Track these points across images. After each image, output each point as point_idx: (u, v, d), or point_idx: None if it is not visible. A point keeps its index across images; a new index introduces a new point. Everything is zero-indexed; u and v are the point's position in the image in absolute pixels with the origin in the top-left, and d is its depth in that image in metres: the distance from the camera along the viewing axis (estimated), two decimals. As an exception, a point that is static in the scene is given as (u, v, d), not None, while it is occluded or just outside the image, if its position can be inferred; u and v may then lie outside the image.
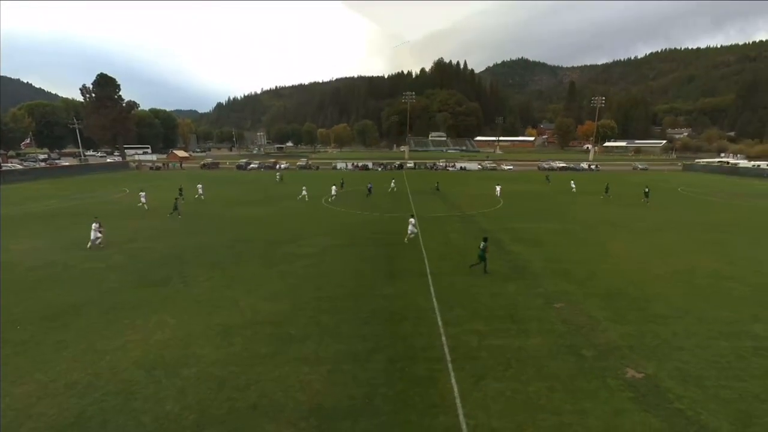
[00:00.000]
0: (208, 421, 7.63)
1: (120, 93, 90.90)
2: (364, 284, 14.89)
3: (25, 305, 13.01)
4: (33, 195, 39.58)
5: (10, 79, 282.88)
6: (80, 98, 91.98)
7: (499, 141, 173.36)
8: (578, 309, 12.71)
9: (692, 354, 10.00)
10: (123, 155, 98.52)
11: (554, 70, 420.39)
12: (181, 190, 36.53)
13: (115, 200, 37.02)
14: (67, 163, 78.30)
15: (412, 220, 21.22)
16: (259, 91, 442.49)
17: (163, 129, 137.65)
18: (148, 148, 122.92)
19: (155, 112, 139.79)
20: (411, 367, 9.41)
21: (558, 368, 9.38)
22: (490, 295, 13.79)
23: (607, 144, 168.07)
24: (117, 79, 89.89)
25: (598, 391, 8.51)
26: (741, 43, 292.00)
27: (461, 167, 78.76)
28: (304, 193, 36.52)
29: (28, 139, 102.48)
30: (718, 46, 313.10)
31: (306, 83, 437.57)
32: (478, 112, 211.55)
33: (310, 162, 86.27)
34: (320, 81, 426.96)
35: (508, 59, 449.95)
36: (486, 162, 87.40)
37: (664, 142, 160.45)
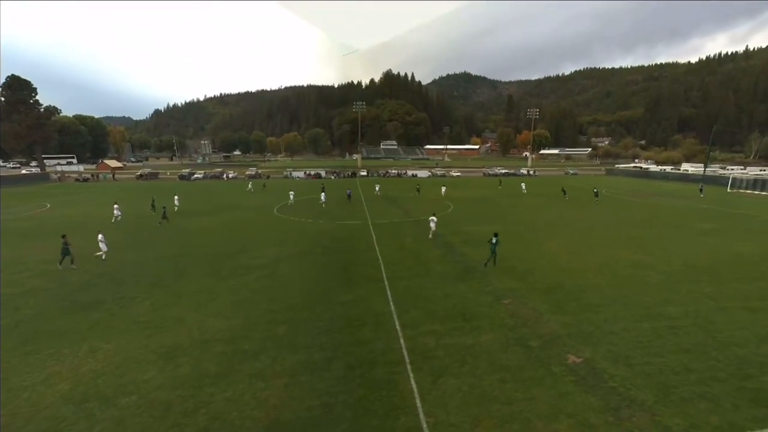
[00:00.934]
0: (153, 451, 6.96)
1: (36, 97, 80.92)
2: (321, 293, 14.62)
3: None
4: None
5: None
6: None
7: (447, 149, 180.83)
8: (524, 303, 13.54)
9: (620, 337, 11.09)
10: (42, 166, 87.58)
11: (494, 84, 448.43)
12: (153, 201, 34.73)
13: (33, 216, 32.73)
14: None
15: (433, 218, 23.47)
16: (202, 98, 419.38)
17: (90, 137, 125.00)
18: (72, 157, 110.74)
19: (81, 119, 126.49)
20: (370, 372, 9.38)
21: (508, 360, 9.91)
22: (443, 296, 14.22)
23: (542, 152, 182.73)
24: (33, 82, 79.99)
25: (544, 378, 9.11)
26: (646, 64, 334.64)
27: (412, 174, 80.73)
28: (291, 199, 38.50)
29: None
30: (629, 66, 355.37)
31: (253, 91, 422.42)
32: (426, 122, 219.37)
33: (260, 171, 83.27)
34: (268, 89, 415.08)
35: (453, 72, 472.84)
36: (436, 169, 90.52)
37: (590, 149, 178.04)
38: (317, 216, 31.43)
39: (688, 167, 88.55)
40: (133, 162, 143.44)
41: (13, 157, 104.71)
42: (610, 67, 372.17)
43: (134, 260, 18.99)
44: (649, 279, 16.10)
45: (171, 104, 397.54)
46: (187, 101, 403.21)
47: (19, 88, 78.24)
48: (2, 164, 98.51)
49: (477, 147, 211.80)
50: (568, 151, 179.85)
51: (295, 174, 77.43)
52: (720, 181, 58.80)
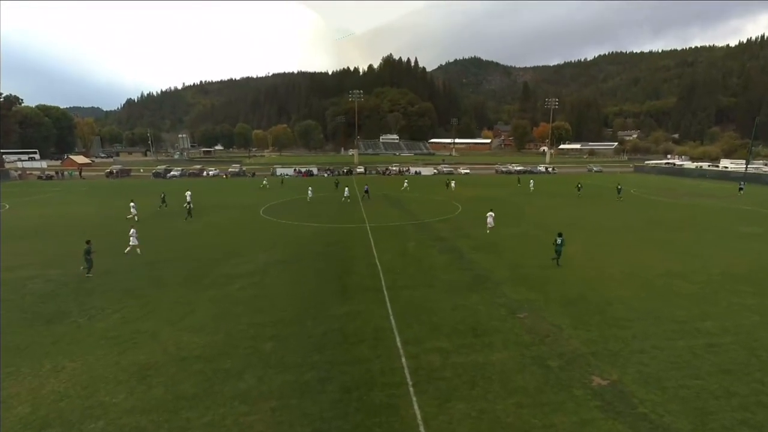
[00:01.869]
0: (122, 484, 6.91)
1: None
2: (313, 305, 14.58)
3: None
4: None
5: None
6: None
7: (454, 143, 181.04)
8: (542, 317, 13.49)
9: (652, 356, 11.03)
10: (1, 162, 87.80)
11: (507, 70, 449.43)
12: (163, 196, 38.21)
13: (-11, 218, 32.73)
14: None
15: (491, 213, 26.53)
16: (180, 87, 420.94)
17: (55, 130, 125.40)
18: (35, 153, 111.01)
19: (45, 109, 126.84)
20: (368, 395, 9.33)
21: (525, 382, 9.85)
22: (451, 309, 14.18)
23: (562, 146, 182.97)
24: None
25: (565, 403, 9.05)
26: (679, 48, 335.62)
27: (416, 172, 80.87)
28: (310, 194, 42.73)
29: None
30: (659, 50, 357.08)
31: (237, 78, 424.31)
32: (431, 113, 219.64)
33: (244, 168, 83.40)
34: (254, 76, 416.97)
35: (461, 57, 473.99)
36: (442, 166, 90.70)
37: (616, 144, 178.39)
38: (309, 219, 31.43)
39: (727, 164, 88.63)
40: (102, 158, 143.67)
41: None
42: (638, 51, 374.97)
43: (103, 267, 18.95)
44: (684, 290, 16.04)
45: (145, 93, 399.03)
46: (164, 90, 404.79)
47: (-25, 74, 78.59)
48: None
49: (488, 141, 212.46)
50: (592, 145, 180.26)
51: (283, 171, 77.48)
52: (763, 179, 58.86)
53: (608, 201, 41.17)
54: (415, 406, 8.90)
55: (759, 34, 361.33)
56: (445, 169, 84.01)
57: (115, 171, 75.84)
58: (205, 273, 18.23)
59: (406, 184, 52.88)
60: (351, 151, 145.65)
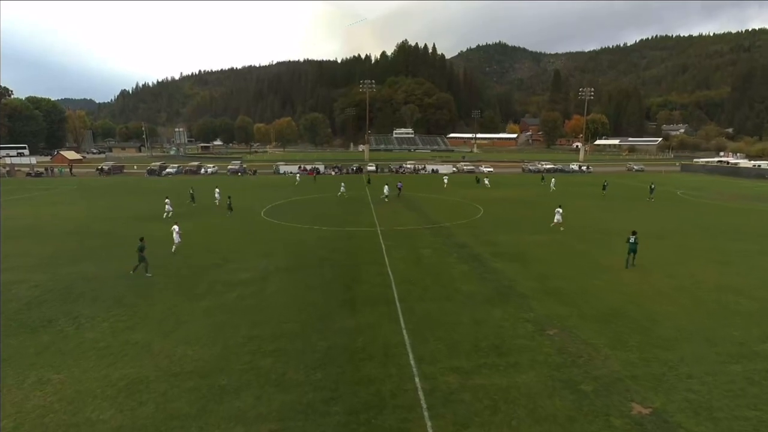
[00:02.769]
0: None
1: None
2: (317, 317, 14.62)
3: None
4: None
5: None
6: None
7: (476, 139, 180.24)
8: (574, 335, 13.25)
9: (702, 382, 10.71)
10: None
11: (536, 57, 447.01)
12: (192, 191, 40.86)
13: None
14: None
15: (558, 209, 28.73)
16: (177, 77, 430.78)
17: (46, 123, 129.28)
18: (24, 148, 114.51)
19: (35, 102, 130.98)
20: (377, 418, 9.28)
21: (554, 408, 9.66)
22: (472, 324, 14.04)
23: (598, 142, 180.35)
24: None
25: (600, 433, 8.84)
26: (734, 31, 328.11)
27: (433, 170, 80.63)
28: (342, 189, 45.46)
29: None
30: (711, 34, 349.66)
31: (238, 67, 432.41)
32: (450, 105, 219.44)
33: (245, 165, 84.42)
34: (257, 65, 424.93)
35: (484, 43, 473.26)
36: (462, 163, 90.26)
37: (660, 140, 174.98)
38: (314, 219, 31.57)
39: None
40: (94, 153, 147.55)
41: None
42: (686, 35, 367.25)
43: (91, 273, 19.36)
44: (740, 307, 15.59)
45: (140, 84, 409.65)
46: (160, 80, 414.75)
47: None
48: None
49: (515, 136, 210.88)
50: (632, 141, 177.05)
51: (287, 169, 78.09)
52: (831, 180, 56.82)
53: (646, 204, 40.42)
54: (430, 433, 8.80)
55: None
56: (465, 168, 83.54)
57: (107, 168, 77.60)
58: (200, 280, 18.46)
59: (446, 180, 56.72)
60: (361, 147, 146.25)
